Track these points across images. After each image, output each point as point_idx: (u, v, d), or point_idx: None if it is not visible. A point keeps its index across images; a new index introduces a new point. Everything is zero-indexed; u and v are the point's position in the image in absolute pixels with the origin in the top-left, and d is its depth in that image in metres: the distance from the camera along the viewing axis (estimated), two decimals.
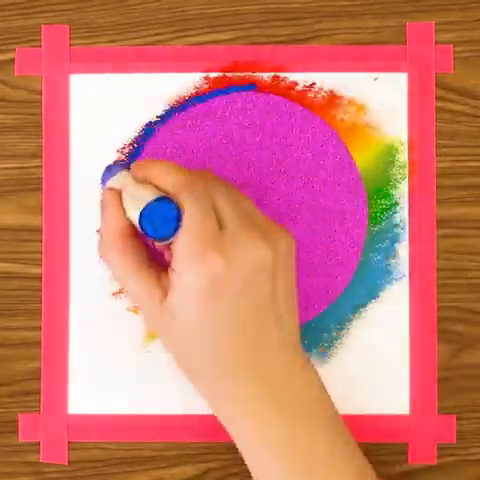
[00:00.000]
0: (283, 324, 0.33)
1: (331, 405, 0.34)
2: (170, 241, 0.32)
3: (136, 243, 0.34)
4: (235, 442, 0.34)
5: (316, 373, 0.34)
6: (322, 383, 0.34)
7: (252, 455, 0.33)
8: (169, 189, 0.33)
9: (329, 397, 0.34)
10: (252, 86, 0.40)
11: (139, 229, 0.33)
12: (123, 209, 0.34)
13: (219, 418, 0.34)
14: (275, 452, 0.32)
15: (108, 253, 0.34)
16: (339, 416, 0.34)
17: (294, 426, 0.32)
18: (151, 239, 0.33)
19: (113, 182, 0.35)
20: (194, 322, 0.32)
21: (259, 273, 0.32)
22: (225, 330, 0.32)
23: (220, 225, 0.32)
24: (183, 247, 0.32)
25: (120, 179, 0.35)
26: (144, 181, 0.34)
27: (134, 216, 0.33)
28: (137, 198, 0.33)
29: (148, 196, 0.32)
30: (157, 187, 0.33)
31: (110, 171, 0.35)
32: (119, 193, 0.34)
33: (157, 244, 0.34)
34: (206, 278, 0.31)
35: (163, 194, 0.32)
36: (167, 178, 0.33)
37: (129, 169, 0.35)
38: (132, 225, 0.34)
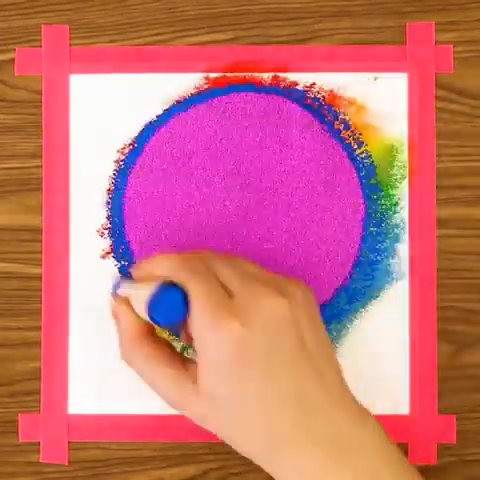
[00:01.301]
0: (323, 376, 0.31)
1: (399, 459, 0.31)
2: (183, 324, 0.31)
3: (155, 341, 0.33)
4: None
5: (377, 426, 0.32)
6: (386, 435, 0.31)
7: None
8: (169, 274, 0.32)
9: (396, 450, 0.31)
10: (252, 86, 0.40)
11: (150, 321, 0.32)
12: (134, 312, 0.33)
13: None
14: None
15: (130, 358, 0.33)
16: (413, 471, 0.32)
17: None
18: (166, 328, 0.32)
19: (119, 292, 0.35)
20: (233, 396, 0.30)
21: (280, 327, 0.30)
22: (267, 396, 0.30)
23: (229, 295, 0.31)
24: (197, 324, 0.30)
25: (125, 288, 0.35)
26: (147, 279, 0.33)
27: (144, 312, 0.32)
28: (142, 295, 0.32)
29: (151, 287, 0.32)
30: (159, 278, 0.32)
31: (116, 286, 0.35)
32: (127, 299, 0.34)
33: (171, 332, 0.33)
34: (228, 346, 0.30)
35: (165, 281, 0.32)
36: (164, 264, 0.32)
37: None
38: (147, 325, 0.33)
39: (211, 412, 0.31)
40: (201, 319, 0.30)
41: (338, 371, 0.32)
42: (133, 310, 0.33)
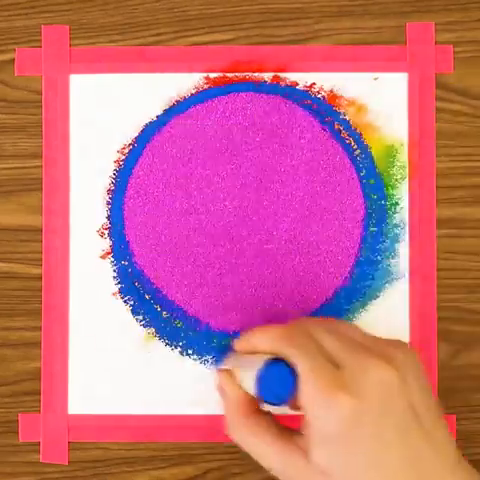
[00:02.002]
0: (435, 441, 0.31)
1: None
2: (292, 400, 0.31)
3: (262, 415, 0.33)
4: None
5: None
6: None
7: None
8: (274, 349, 0.32)
9: None
10: (252, 86, 0.40)
11: (258, 397, 0.31)
12: (240, 387, 0.33)
13: None
14: None
15: (236, 432, 0.33)
16: None
17: None
18: (273, 405, 0.31)
19: (224, 365, 0.35)
20: (346, 470, 0.30)
21: (391, 397, 0.30)
22: (380, 466, 0.30)
23: (336, 366, 0.31)
24: (307, 400, 0.30)
25: (230, 361, 0.35)
26: (251, 353, 0.33)
27: (251, 387, 0.32)
28: (248, 371, 0.32)
29: (257, 362, 0.31)
30: (263, 352, 0.32)
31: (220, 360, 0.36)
32: (231, 372, 0.34)
33: (277, 408, 0.32)
34: (340, 420, 0.30)
35: (270, 356, 0.31)
36: (267, 339, 0.32)
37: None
38: (253, 399, 0.33)
39: None
40: (311, 395, 0.30)
41: (447, 431, 0.32)
42: (238, 384, 0.33)
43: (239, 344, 0.34)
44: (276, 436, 0.32)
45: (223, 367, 0.35)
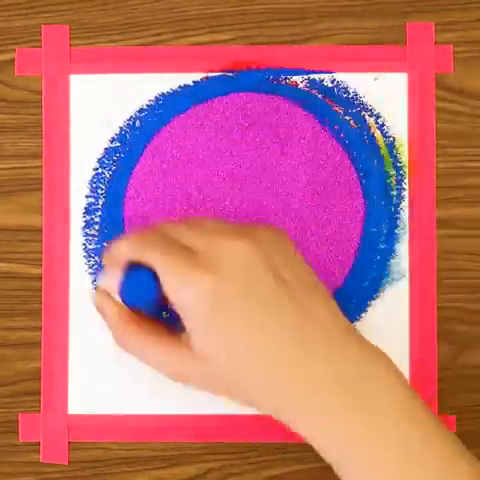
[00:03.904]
0: (309, 310, 0.30)
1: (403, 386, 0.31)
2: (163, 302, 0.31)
3: (143, 320, 0.33)
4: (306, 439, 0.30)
5: (388, 363, 0.31)
6: (399, 373, 0.31)
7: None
8: (131, 256, 0.32)
9: (412, 392, 0.31)
10: (252, 86, 0.40)
11: (125, 304, 0.32)
12: (116, 300, 0.33)
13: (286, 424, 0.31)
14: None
15: (122, 341, 0.33)
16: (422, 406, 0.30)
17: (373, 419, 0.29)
18: (147, 310, 0.32)
19: (99, 284, 0.34)
20: (225, 349, 0.30)
21: (250, 268, 0.30)
22: (255, 339, 0.29)
23: (192, 253, 0.31)
24: (170, 290, 0.30)
25: (101, 278, 0.34)
26: (116, 265, 0.33)
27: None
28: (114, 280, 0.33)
29: (118, 275, 0.32)
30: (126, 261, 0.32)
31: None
32: (106, 290, 0.33)
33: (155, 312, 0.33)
34: (204, 297, 0.29)
35: (131, 264, 0.32)
36: (124, 249, 0.32)
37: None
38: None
39: (212, 373, 0.30)
40: (172, 283, 0.30)
41: (329, 303, 0.31)
42: (114, 299, 0.33)
43: (104, 259, 0.34)
44: (162, 336, 0.32)
45: (99, 285, 0.34)
